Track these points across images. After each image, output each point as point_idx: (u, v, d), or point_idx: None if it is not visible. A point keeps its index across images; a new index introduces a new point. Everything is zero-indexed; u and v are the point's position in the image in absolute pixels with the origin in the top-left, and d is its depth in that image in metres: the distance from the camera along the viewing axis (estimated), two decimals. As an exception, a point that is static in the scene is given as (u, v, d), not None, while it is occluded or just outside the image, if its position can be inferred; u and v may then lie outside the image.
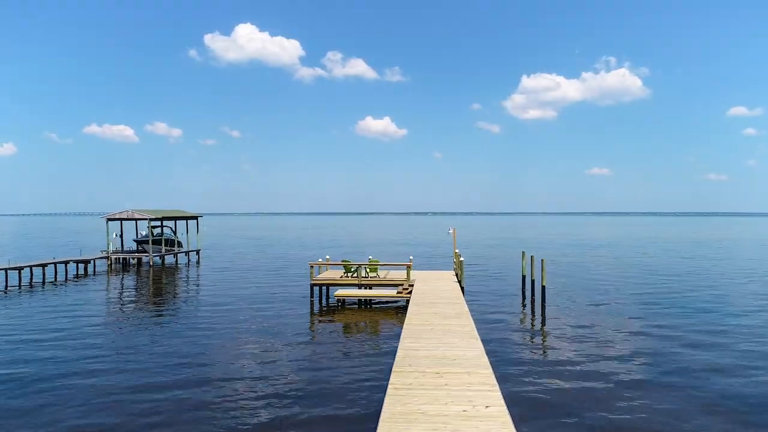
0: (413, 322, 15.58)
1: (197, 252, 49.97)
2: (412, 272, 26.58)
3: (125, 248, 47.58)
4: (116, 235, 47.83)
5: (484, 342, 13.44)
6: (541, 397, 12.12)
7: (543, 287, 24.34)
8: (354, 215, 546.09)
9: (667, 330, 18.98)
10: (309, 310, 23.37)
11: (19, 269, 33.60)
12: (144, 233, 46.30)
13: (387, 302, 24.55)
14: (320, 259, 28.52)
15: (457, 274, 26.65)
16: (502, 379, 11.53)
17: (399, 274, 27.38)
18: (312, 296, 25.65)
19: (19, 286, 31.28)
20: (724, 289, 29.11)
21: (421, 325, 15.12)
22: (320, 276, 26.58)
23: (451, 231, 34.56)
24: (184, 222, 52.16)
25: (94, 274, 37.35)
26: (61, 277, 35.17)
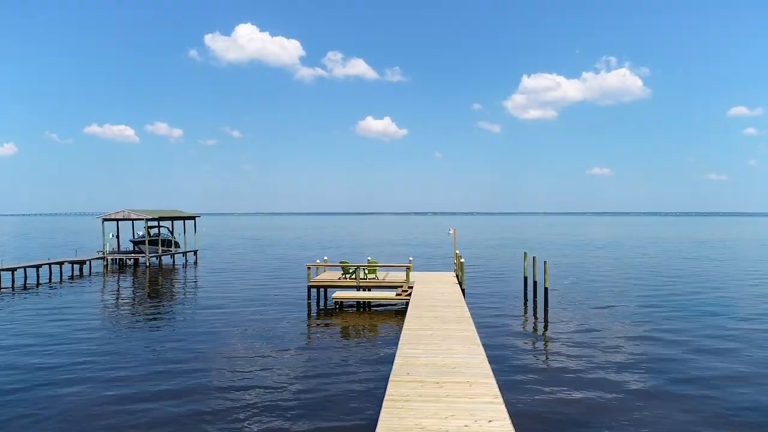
0: (412, 327, 15.04)
1: (194, 252, 49.44)
2: (411, 273, 26.04)
3: (122, 249, 47.05)
4: (113, 236, 47.30)
5: (486, 348, 12.88)
6: (545, 410, 11.54)
7: (546, 289, 23.79)
8: (354, 215, 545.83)
9: (674, 335, 18.41)
10: (306, 313, 22.82)
11: (13, 270, 33.05)
12: (141, 233, 45.77)
13: (386, 305, 23.99)
14: (318, 260, 27.98)
15: (457, 276, 26.10)
16: (505, 388, 10.97)
17: (398, 276, 26.84)
18: (309, 298, 25.10)
19: (12, 287, 30.74)
20: (731, 291, 28.54)
21: (421, 330, 14.57)
22: (318, 277, 26.03)
23: (451, 232, 34.00)
24: (181, 222, 51.63)
25: (90, 276, 36.81)
26: (56, 279, 34.61)
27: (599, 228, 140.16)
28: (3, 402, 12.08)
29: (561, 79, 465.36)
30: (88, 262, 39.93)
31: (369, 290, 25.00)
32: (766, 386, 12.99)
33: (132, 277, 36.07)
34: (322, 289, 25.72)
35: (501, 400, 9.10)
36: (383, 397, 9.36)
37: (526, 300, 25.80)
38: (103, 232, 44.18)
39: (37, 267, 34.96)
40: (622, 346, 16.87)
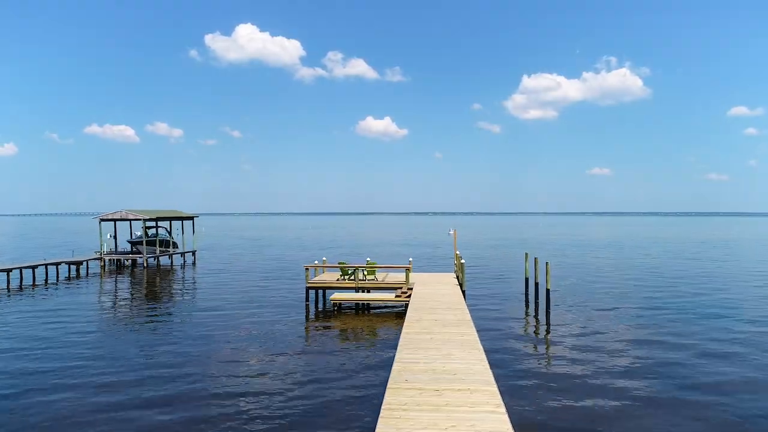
0: (411, 331, 14.64)
1: (193, 253, 49.04)
2: (411, 275, 25.64)
3: (119, 249, 46.65)
4: (110, 236, 46.92)
5: (487, 352, 12.50)
6: (549, 418, 11.13)
7: (548, 291, 23.38)
8: (354, 215, 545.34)
9: (679, 338, 18.00)
10: (304, 315, 22.43)
11: (8, 271, 32.69)
12: (138, 234, 45.37)
13: (385, 306, 23.59)
14: (316, 261, 27.57)
15: (458, 277, 25.69)
16: (506, 395, 10.59)
17: (398, 277, 26.45)
18: (307, 300, 24.72)
19: (8, 288, 30.35)
20: (735, 293, 28.11)
21: (420, 334, 14.17)
22: (316, 279, 25.64)
23: (451, 232, 33.58)
24: (179, 223, 51.23)
25: (87, 276, 36.43)
26: (52, 280, 34.23)
27: (599, 228, 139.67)
28: (-12, 409, 11.69)
29: (561, 79, 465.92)
30: (84, 263, 39.53)
31: (368, 292, 24.62)
32: (777, 392, 12.58)
33: (129, 278, 35.67)
34: (320, 291, 25.35)
35: (503, 409, 8.70)
36: (381, 404, 8.98)
37: (527, 302, 25.39)
38: (100, 233, 43.76)
39: (33, 268, 34.58)
40: (627, 350, 16.47)
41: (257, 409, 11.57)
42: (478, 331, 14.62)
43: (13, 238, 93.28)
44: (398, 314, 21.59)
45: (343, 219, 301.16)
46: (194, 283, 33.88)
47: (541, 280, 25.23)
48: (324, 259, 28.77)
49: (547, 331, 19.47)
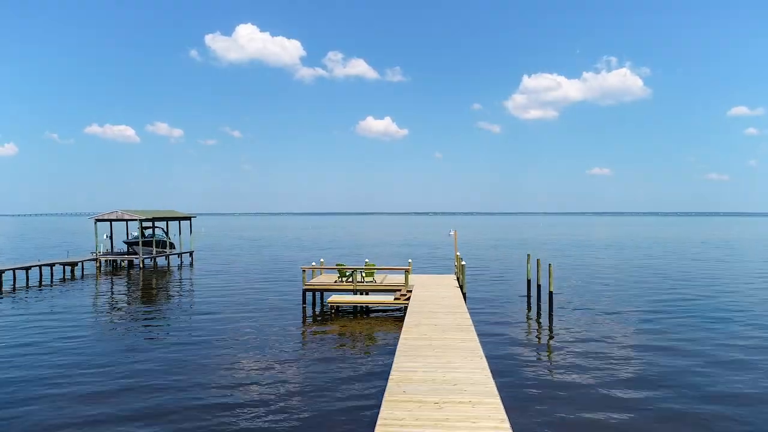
0: (410, 337, 14.06)
1: (190, 254, 48.46)
2: (411, 276, 25.07)
3: (115, 250, 46.08)
4: (106, 237, 46.35)
5: (489, 359, 11.91)
6: None
7: (550, 293, 22.82)
8: (354, 215, 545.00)
9: (688, 344, 17.39)
10: (300, 319, 21.85)
11: (0, 273, 32.09)
12: (135, 234, 44.79)
13: (384, 309, 23.02)
14: (314, 263, 26.99)
15: (458, 279, 25.12)
16: (510, 407, 10.01)
17: (397, 279, 25.88)
18: (304, 302, 24.15)
19: (0, 290, 29.79)
20: (743, 295, 27.47)
21: (419, 340, 13.59)
22: (313, 281, 25.06)
23: (452, 233, 32.98)
24: (176, 223, 50.62)
25: (82, 277, 35.87)
26: (46, 281, 33.65)
27: (599, 228, 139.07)
28: (-36, 421, 11.12)
29: (561, 79, 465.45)
30: (80, 264, 38.97)
31: (366, 294, 24.05)
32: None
33: (124, 280, 35.09)
34: (317, 293, 24.79)
35: (508, 425, 8.12)
36: (377, 418, 8.40)
37: (529, 305, 24.80)
38: (96, 233, 43.22)
39: (27, 269, 34.01)
40: (633, 357, 15.87)
41: (247, 421, 10.99)
42: (479, 336, 14.04)
43: (11, 239, 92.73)
44: (397, 318, 21.02)
45: (343, 219, 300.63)
46: (190, 284, 33.31)
47: (543, 282, 24.66)
48: (321, 260, 28.19)
49: (551, 336, 18.89)
